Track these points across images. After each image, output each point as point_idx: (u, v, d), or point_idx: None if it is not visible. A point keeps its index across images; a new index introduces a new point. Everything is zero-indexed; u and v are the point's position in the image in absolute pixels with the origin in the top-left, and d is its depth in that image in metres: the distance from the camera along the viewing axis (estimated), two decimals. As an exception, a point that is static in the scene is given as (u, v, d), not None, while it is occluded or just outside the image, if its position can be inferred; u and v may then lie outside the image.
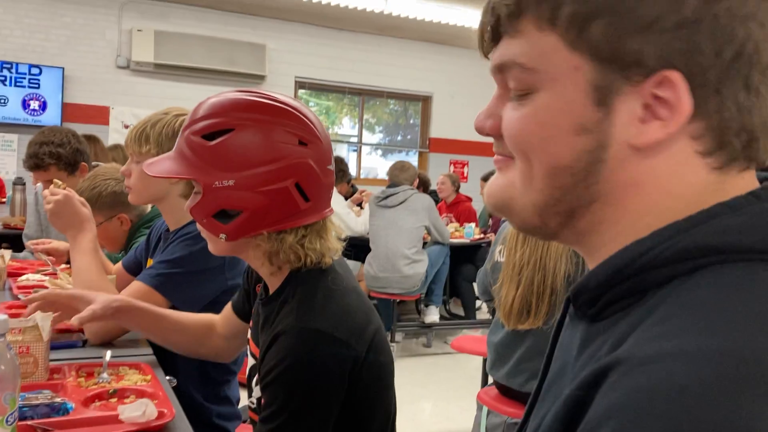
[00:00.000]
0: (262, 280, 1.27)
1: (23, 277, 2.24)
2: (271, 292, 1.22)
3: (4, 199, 5.13)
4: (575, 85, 0.49)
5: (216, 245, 1.20)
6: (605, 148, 0.49)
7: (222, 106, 1.13)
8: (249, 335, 1.33)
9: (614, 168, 0.50)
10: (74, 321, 1.36)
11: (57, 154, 2.68)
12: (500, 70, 0.54)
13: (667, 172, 0.49)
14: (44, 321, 1.37)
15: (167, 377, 1.45)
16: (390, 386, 1.21)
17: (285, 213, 1.13)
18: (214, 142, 1.11)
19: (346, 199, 5.65)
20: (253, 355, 1.27)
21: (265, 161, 1.10)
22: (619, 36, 0.47)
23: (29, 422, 1.09)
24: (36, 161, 2.67)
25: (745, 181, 0.51)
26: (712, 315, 0.42)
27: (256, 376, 1.19)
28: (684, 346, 0.40)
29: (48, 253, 2.37)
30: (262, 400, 1.10)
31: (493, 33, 0.54)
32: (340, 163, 5.56)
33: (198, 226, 1.20)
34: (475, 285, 5.47)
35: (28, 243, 2.53)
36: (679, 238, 0.47)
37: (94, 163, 2.94)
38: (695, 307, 0.43)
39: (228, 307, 1.50)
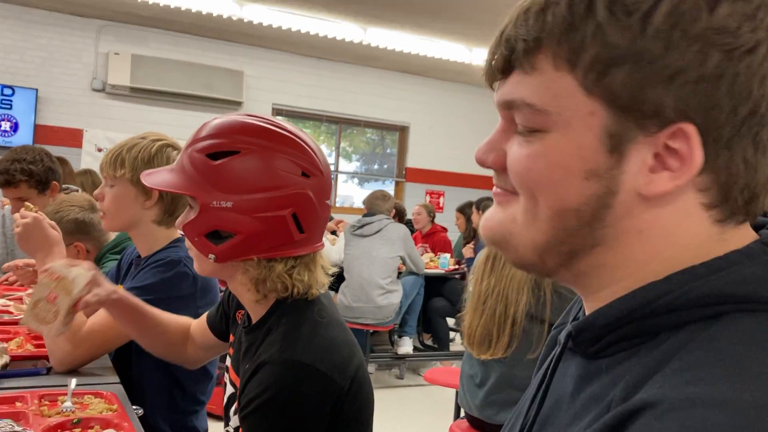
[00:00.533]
0: (244, 307, 1.25)
1: (-13, 301, 2.18)
2: (254, 320, 1.20)
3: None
4: (589, 130, 0.49)
5: (203, 265, 1.18)
6: (614, 194, 0.49)
7: (230, 128, 1.13)
8: (228, 362, 1.30)
9: (621, 214, 0.50)
10: (89, 299, 1.34)
11: (29, 171, 2.64)
12: (507, 107, 0.53)
13: (673, 223, 0.49)
14: (81, 277, 1.33)
15: (134, 407, 1.40)
16: (370, 420, 1.19)
17: (278, 241, 1.12)
18: (217, 162, 1.11)
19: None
20: (233, 384, 1.25)
21: (266, 188, 1.09)
22: (640, 85, 0.47)
23: (-13, 453, 1.04)
24: (7, 177, 2.63)
25: (742, 232, 0.51)
26: (742, 365, 0.42)
27: (235, 404, 1.16)
28: (717, 395, 0.39)
29: (28, 264, 2.29)
30: (240, 430, 1.08)
31: (504, 65, 0.53)
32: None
33: (187, 243, 1.19)
34: (447, 319, 5.49)
35: (5, 266, 2.46)
36: (696, 284, 0.47)
37: (64, 186, 2.89)
38: (724, 356, 0.43)
39: (203, 320, 1.47)
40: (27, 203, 1.85)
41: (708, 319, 0.46)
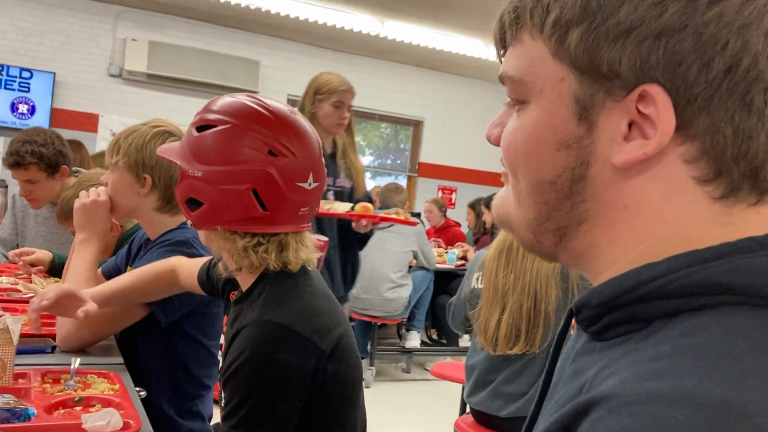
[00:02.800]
0: (237, 287, 1.26)
1: (-4, 280, 2.19)
2: (243, 291, 1.22)
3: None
4: (559, 98, 0.47)
5: (201, 235, 1.26)
6: (587, 165, 0.47)
7: (219, 104, 1.18)
8: (223, 339, 1.31)
9: (600, 188, 0.47)
10: (80, 313, 1.37)
11: (39, 153, 2.61)
12: (502, 82, 0.53)
13: (660, 198, 0.45)
14: (15, 324, 1.32)
15: (137, 388, 1.40)
16: (356, 401, 1.18)
17: (238, 215, 1.15)
18: (199, 134, 1.17)
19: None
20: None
21: (227, 161, 1.13)
22: (596, 45, 0.44)
23: (-13, 427, 1.04)
24: (17, 159, 2.61)
25: (764, 218, 0.45)
26: (718, 360, 0.37)
27: None
28: (679, 389, 0.36)
29: (32, 264, 2.30)
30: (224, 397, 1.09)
31: (502, 43, 0.53)
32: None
33: None
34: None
35: (10, 253, 2.46)
36: (695, 269, 0.42)
37: (74, 169, 2.89)
38: (700, 349, 0.39)
39: (193, 270, 1.48)
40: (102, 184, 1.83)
41: (702, 309, 0.42)
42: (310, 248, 1.22)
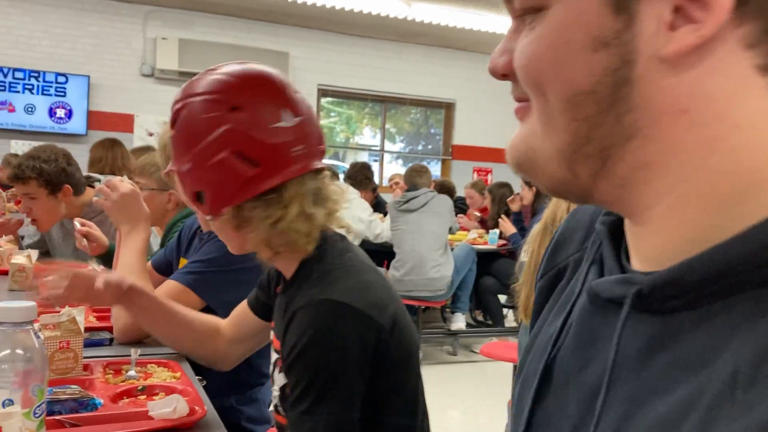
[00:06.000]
0: (281, 281, 1.23)
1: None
2: (288, 279, 1.18)
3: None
4: None
5: (230, 243, 1.20)
6: (631, 64, 0.39)
7: (177, 95, 1.15)
8: (273, 333, 1.29)
9: (649, 90, 0.39)
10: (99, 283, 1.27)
11: (39, 169, 2.59)
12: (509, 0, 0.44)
13: (723, 96, 0.37)
14: (79, 315, 1.33)
15: (197, 377, 1.40)
16: (415, 374, 1.15)
17: (236, 184, 1.08)
18: (173, 132, 1.13)
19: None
20: (276, 350, 1.23)
21: (199, 138, 1.09)
22: None
23: (57, 417, 1.05)
24: (17, 172, 2.61)
25: None
26: None
27: (279, 366, 1.14)
28: None
29: (87, 237, 2.26)
30: (287, 386, 1.06)
31: None
32: (366, 170, 5.53)
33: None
34: (499, 296, 5.41)
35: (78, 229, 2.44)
36: None
37: (87, 175, 2.89)
38: None
39: (242, 308, 1.42)
40: (128, 177, 1.84)
41: None
42: (334, 200, 1.15)
